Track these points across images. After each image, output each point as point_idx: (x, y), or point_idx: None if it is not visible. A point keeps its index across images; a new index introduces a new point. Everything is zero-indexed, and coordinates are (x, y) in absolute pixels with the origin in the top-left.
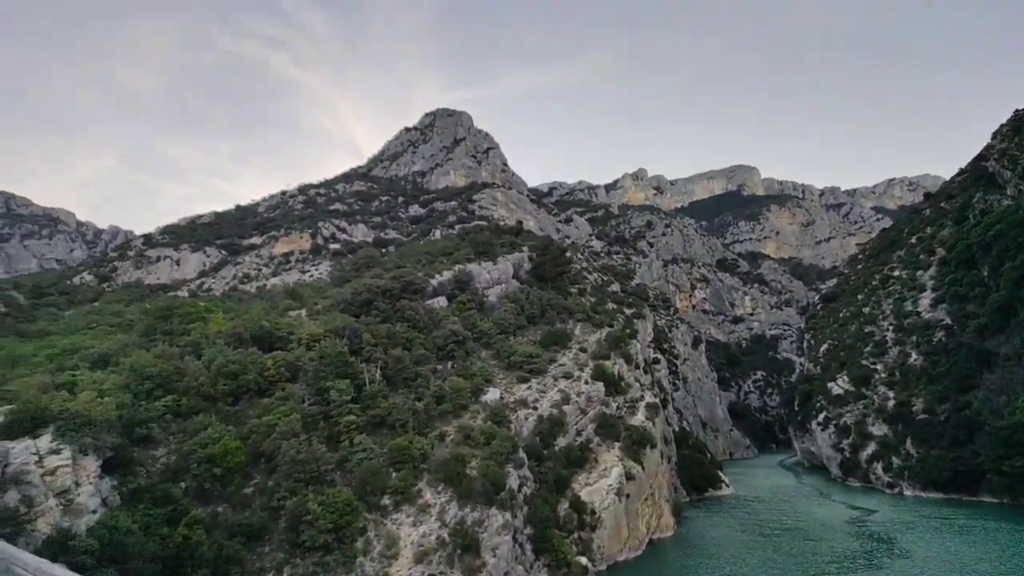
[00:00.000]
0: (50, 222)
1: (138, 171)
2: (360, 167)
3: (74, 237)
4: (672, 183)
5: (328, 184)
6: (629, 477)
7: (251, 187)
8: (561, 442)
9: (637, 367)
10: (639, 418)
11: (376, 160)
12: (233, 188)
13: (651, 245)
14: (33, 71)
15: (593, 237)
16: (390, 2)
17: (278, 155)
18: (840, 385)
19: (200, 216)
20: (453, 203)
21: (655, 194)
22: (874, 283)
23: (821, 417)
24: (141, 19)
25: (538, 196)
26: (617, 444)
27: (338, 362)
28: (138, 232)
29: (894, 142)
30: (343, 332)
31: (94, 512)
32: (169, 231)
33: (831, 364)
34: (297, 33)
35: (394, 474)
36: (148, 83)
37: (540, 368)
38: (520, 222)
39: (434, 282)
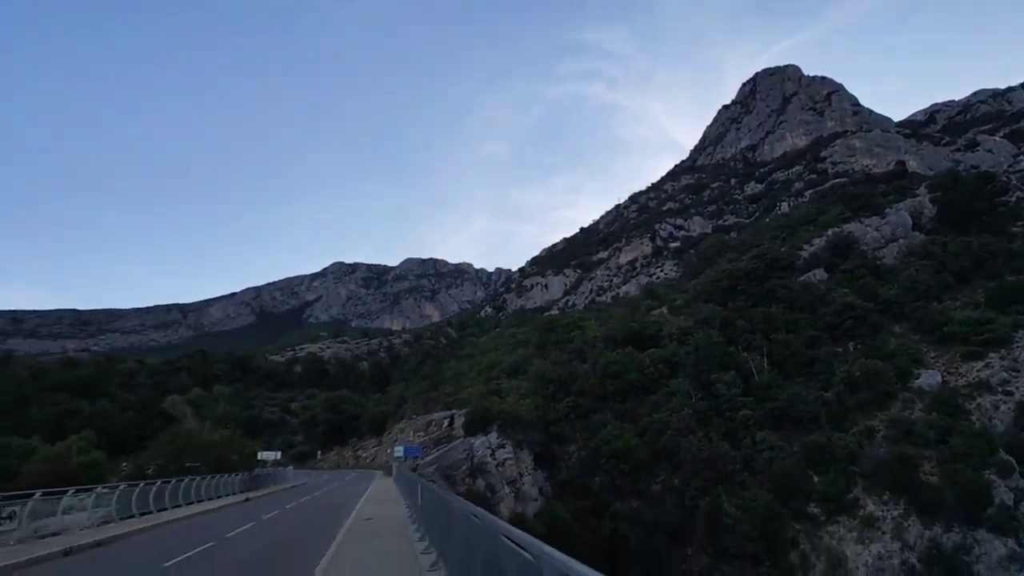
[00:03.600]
0: (459, 274)
1: (503, 221)
2: (683, 162)
3: (475, 282)
4: None
5: (656, 187)
6: None
7: (587, 210)
8: None
9: None
10: None
11: (699, 149)
12: (572, 214)
13: None
14: (430, 160)
15: (1022, 157)
16: None
17: (606, 174)
18: None
19: (555, 245)
20: (797, 168)
21: None
22: None
23: None
24: (483, 99)
25: (913, 129)
26: None
27: (717, 353)
28: (514, 269)
29: None
30: (713, 322)
31: (535, 500)
32: (535, 262)
33: None
34: (605, 60)
35: (815, 477)
36: (496, 148)
37: (999, 337)
38: (900, 162)
39: (804, 254)
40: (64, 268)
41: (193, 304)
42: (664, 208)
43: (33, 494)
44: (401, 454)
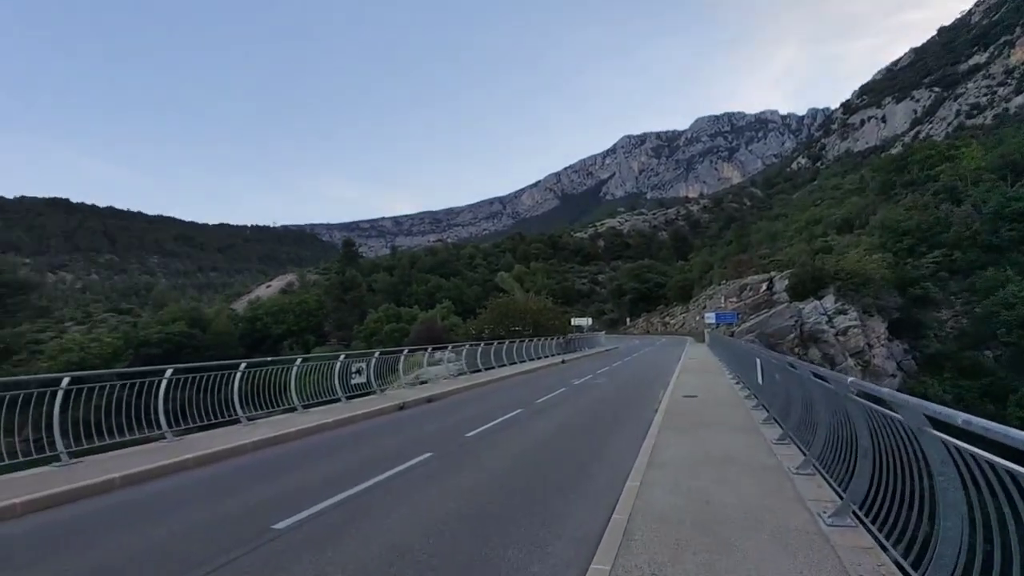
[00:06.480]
0: (761, 125)
1: (819, 44)
2: None
3: (781, 131)
4: None
5: None
6: None
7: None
8: None
9: None
10: None
11: None
12: (920, 15)
13: None
14: None
15: None
16: None
17: None
18: None
19: (895, 62)
20: None
21: None
22: None
23: None
24: None
25: None
26: None
27: None
28: (833, 106)
29: None
30: None
31: (892, 376)
32: (865, 91)
33: None
34: None
35: None
36: None
37: None
38: None
39: None
40: (421, 178)
41: (508, 196)
42: None
43: (375, 352)
44: (713, 321)
